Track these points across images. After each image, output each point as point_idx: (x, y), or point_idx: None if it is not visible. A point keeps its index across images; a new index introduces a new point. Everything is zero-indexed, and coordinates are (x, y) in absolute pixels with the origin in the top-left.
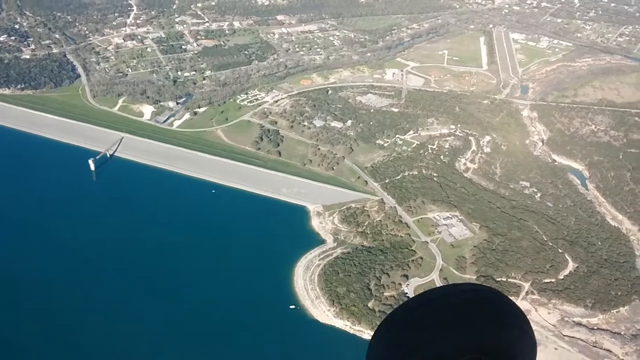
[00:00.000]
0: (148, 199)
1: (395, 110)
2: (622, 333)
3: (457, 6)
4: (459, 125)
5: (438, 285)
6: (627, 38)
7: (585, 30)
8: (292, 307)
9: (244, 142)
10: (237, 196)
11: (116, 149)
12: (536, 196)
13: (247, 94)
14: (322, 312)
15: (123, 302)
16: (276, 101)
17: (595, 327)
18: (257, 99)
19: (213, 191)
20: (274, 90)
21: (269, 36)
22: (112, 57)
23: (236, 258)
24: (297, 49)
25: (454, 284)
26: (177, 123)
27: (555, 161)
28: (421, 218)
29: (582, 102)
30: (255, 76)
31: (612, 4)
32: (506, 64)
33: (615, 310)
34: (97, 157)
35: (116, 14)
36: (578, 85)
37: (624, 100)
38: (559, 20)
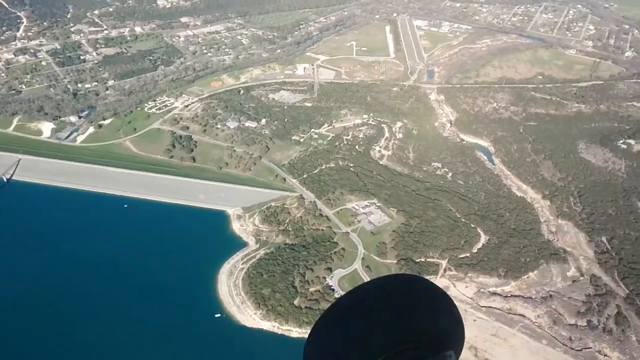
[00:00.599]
0: (55, 221)
1: (309, 104)
2: (533, 297)
3: None
4: (371, 115)
5: (363, 277)
6: (520, 17)
7: (482, 13)
8: (218, 315)
9: (155, 151)
10: (153, 208)
11: (13, 173)
12: (448, 176)
13: (155, 101)
14: (249, 316)
15: (43, 319)
16: (186, 106)
17: (509, 295)
18: (166, 106)
19: (125, 206)
20: (183, 95)
21: (174, 40)
22: (3, 75)
23: (156, 271)
24: (205, 51)
25: (385, 276)
26: (80, 138)
27: (464, 140)
28: (341, 209)
29: (484, 82)
30: (163, 82)
31: None
32: (412, 51)
33: (525, 276)
34: None
35: (4, 28)
36: (479, 66)
37: (521, 76)
38: (458, 4)
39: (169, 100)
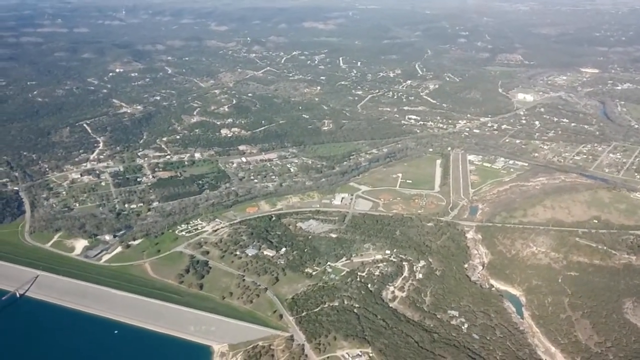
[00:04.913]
0: (45, 344)
1: (334, 236)
2: None
3: (418, 131)
4: (395, 250)
5: None
6: (585, 156)
7: (542, 150)
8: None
9: (168, 275)
10: (141, 336)
11: (28, 288)
12: (463, 327)
13: (188, 224)
14: None
15: None
16: (215, 230)
17: None
18: (196, 229)
19: (115, 332)
20: (216, 219)
21: (227, 166)
22: (64, 192)
23: None
24: (252, 177)
25: None
26: (106, 257)
27: (493, 287)
28: (328, 357)
29: (529, 223)
30: (203, 205)
31: (572, 124)
32: (458, 186)
33: None
34: (4, 298)
35: (81, 151)
36: (528, 205)
37: (573, 219)
38: (518, 141)
39: (201, 224)
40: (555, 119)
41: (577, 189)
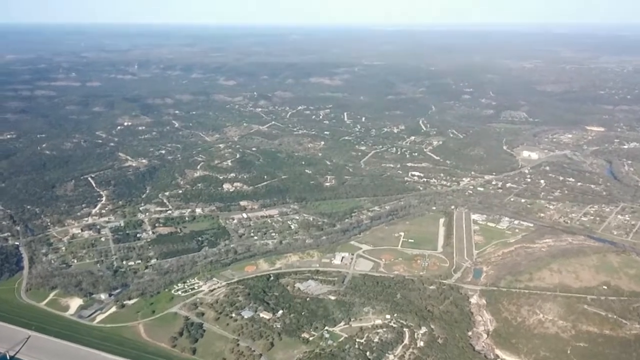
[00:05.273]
0: None
1: (333, 298)
2: None
3: (421, 188)
4: (395, 315)
5: None
6: (592, 217)
7: (548, 210)
8: None
9: (162, 338)
10: None
11: (19, 350)
12: None
13: (185, 282)
14: None
15: None
16: (212, 290)
17: None
18: (193, 288)
19: None
20: (213, 278)
21: (227, 222)
22: (63, 248)
23: None
24: (252, 234)
25: None
26: (100, 317)
27: (499, 357)
28: None
29: (536, 287)
30: (202, 263)
31: (579, 183)
32: (462, 246)
33: None
34: None
35: (84, 205)
36: (534, 269)
37: (581, 284)
38: (523, 200)
39: (198, 283)
40: (561, 178)
41: (585, 252)
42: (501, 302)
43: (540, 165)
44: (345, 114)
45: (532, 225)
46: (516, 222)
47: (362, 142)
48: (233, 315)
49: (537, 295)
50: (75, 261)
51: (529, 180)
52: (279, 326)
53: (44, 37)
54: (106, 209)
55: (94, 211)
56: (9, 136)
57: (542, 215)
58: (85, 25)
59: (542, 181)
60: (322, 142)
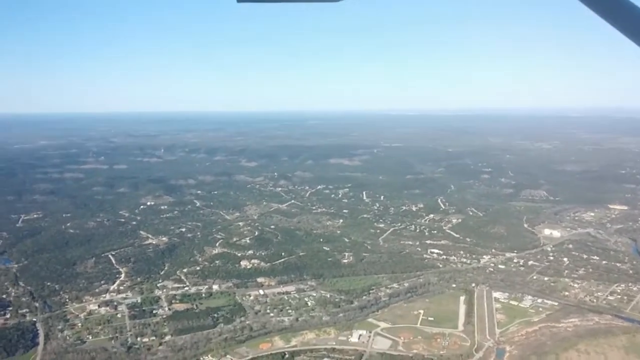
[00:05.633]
0: None
1: None
2: None
3: (441, 266)
4: None
5: None
6: (619, 297)
7: (573, 289)
8: None
9: None
10: None
11: None
12: None
13: None
14: None
15: None
16: None
17: None
18: None
19: None
20: (227, 356)
21: (244, 298)
22: (79, 324)
23: None
24: (268, 311)
25: None
26: None
27: None
28: None
29: None
30: (216, 340)
31: (604, 262)
32: (484, 325)
33: None
34: None
35: (102, 282)
36: (561, 349)
37: None
38: (546, 278)
39: None
40: (585, 256)
41: (613, 332)
42: None
43: (563, 243)
44: (364, 192)
45: (556, 304)
46: (540, 300)
47: (381, 220)
48: None
49: None
50: (90, 337)
51: (551, 258)
52: None
53: (77, 125)
54: (124, 285)
55: (112, 287)
56: (35, 216)
57: (566, 293)
58: (119, 114)
59: (565, 259)
60: (341, 220)
